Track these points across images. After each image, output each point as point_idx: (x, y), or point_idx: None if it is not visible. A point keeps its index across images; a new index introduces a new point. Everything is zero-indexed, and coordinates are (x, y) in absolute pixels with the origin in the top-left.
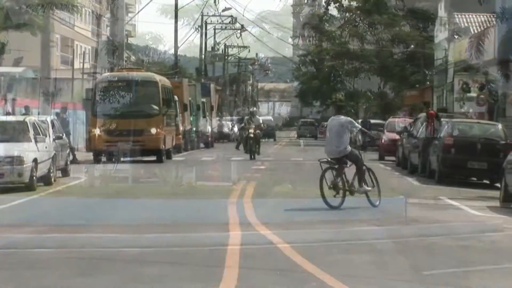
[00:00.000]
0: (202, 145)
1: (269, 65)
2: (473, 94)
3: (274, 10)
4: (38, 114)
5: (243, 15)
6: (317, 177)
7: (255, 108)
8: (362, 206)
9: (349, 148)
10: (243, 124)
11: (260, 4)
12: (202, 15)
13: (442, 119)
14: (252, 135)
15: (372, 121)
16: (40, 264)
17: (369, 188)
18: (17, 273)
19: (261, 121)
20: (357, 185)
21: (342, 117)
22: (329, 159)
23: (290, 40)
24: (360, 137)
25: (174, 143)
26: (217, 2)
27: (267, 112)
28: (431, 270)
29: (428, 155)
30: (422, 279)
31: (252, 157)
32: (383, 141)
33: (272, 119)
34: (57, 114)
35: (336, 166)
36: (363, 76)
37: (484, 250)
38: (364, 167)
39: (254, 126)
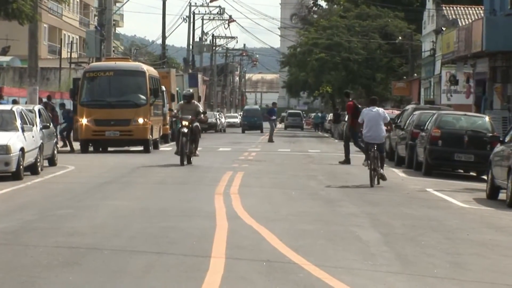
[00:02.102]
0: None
1: (257, 56)
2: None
3: (263, 1)
4: (26, 103)
5: (231, 6)
6: (304, 168)
7: (190, 90)
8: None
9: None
10: (174, 112)
11: None
12: (190, 5)
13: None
14: (185, 130)
15: None
16: (27, 254)
17: (383, 173)
18: (2, 264)
19: (201, 108)
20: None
21: (378, 108)
22: (375, 144)
23: (278, 31)
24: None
25: (161, 133)
26: None
27: (254, 102)
28: (417, 262)
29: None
30: (408, 271)
31: (184, 162)
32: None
33: (259, 109)
34: (44, 104)
35: (378, 148)
36: (351, 68)
37: (470, 242)
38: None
39: (190, 117)
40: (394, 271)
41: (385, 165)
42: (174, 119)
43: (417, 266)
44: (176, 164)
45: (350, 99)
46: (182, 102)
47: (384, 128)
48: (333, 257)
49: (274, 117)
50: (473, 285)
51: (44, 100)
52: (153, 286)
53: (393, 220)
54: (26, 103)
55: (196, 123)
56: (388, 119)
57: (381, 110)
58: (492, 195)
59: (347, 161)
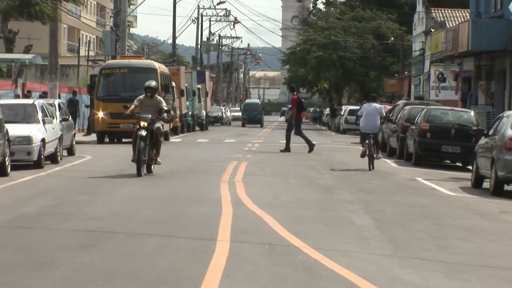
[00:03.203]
0: (197, 128)
1: (260, 54)
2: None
3: (265, 4)
4: (41, 95)
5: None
6: (305, 157)
7: (153, 82)
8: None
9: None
10: (130, 109)
11: None
12: (199, 8)
13: (411, 106)
14: (143, 133)
15: (354, 107)
16: (48, 236)
17: (380, 156)
18: (25, 245)
19: (164, 105)
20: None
21: (375, 104)
22: (368, 134)
23: (279, 31)
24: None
25: (171, 126)
26: None
27: (257, 97)
28: (407, 245)
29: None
30: (399, 253)
31: (142, 172)
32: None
33: (259, 103)
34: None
35: (372, 136)
36: (347, 66)
37: (457, 227)
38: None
39: (149, 116)
40: (386, 253)
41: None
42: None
43: (407, 249)
44: (134, 174)
45: (295, 93)
46: (142, 96)
47: (379, 121)
48: (330, 241)
49: (290, 111)
50: (459, 267)
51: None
52: (163, 267)
53: (385, 207)
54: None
55: (158, 124)
56: (384, 114)
57: (378, 106)
58: (477, 184)
59: (287, 149)
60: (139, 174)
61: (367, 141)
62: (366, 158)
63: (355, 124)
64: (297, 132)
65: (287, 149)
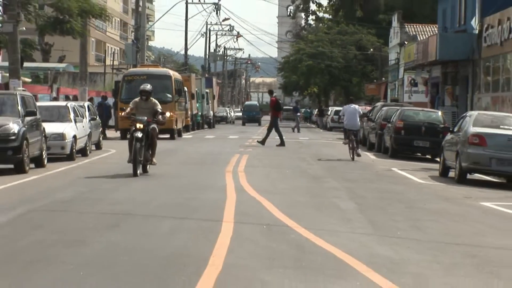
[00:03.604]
0: (206, 126)
1: (259, 63)
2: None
3: (264, 21)
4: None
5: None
6: (297, 150)
7: (149, 86)
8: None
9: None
10: (126, 111)
11: (252, 15)
12: (207, 24)
13: (388, 107)
14: (139, 134)
15: (339, 108)
16: (79, 218)
17: (360, 154)
18: (60, 226)
19: (159, 107)
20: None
21: (354, 105)
22: (353, 130)
23: (276, 44)
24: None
25: (184, 124)
26: (218, 14)
27: (256, 100)
28: (385, 226)
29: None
30: (378, 233)
31: (138, 172)
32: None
33: (258, 104)
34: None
35: (354, 133)
36: (333, 73)
37: (427, 210)
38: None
39: (145, 118)
40: (367, 233)
41: (359, 150)
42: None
43: (384, 229)
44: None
45: (273, 96)
46: (137, 99)
47: (358, 119)
48: (319, 222)
49: (298, 114)
50: (429, 244)
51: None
52: (177, 245)
53: (365, 193)
54: (77, 99)
55: (153, 125)
56: (361, 113)
57: (356, 106)
58: (444, 173)
59: (263, 142)
60: (135, 174)
61: (350, 136)
62: (348, 152)
63: (338, 122)
64: (275, 128)
65: (263, 142)
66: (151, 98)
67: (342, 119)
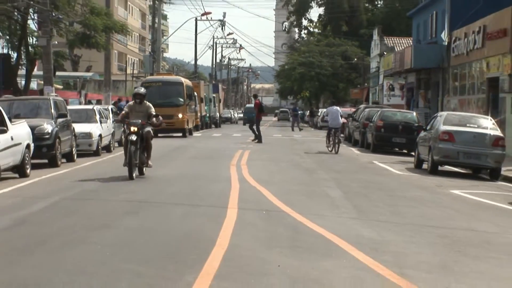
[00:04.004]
0: (213, 126)
1: (259, 71)
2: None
3: (262, 34)
4: (98, 103)
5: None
6: (291, 147)
7: (142, 89)
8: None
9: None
10: (121, 115)
11: (252, 30)
12: (214, 38)
13: (370, 109)
14: (134, 137)
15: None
16: (104, 206)
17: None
18: (88, 212)
19: (152, 110)
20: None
21: (336, 107)
22: (334, 128)
23: (273, 55)
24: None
25: (194, 124)
26: (223, 29)
27: None
28: (367, 211)
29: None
30: (361, 217)
31: (134, 175)
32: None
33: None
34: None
35: (333, 131)
36: (322, 80)
37: (404, 197)
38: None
39: (139, 121)
40: (352, 217)
41: (345, 145)
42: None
43: (367, 214)
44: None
45: (257, 99)
46: (131, 102)
47: (340, 118)
48: (310, 208)
49: (297, 113)
50: (406, 227)
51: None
52: (189, 228)
53: (351, 183)
54: (101, 103)
55: (148, 128)
56: (341, 112)
57: (338, 108)
58: (418, 166)
59: (259, 139)
60: (130, 177)
61: (332, 133)
62: (342, 148)
63: (323, 121)
64: (257, 127)
65: (259, 139)
66: (145, 101)
67: (326, 119)
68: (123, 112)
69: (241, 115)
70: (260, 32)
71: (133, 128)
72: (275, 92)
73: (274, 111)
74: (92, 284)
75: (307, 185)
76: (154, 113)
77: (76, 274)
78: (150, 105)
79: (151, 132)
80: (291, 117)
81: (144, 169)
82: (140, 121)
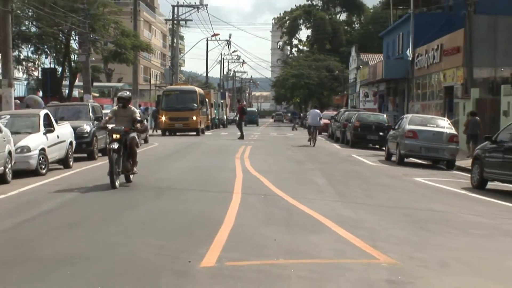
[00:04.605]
0: (221, 126)
1: (258, 82)
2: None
3: (261, 52)
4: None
5: (244, 54)
6: (286, 141)
7: (127, 92)
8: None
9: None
10: (103, 121)
11: (253, 48)
12: (221, 54)
13: (349, 112)
14: (115, 145)
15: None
16: (135, 190)
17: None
18: (121, 196)
19: (137, 115)
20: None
21: (317, 110)
22: (312, 126)
23: (269, 68)
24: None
25: (205, 125)
26: (229, 47)
27: (256, 108)
28: (347, 195)
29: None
30: (342, 200)
31: (116, 183)
32: (321, 123)
33: (256, 110)
34: (146, 109)
35: (312, 128)
36: (310, 88)
37: (377, 184)
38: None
39: (122, 128)
40: (334, 200)
41: (328, 141)
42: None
43: (347, 197)
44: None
45: (241, 103)
46: (115, 107)
47: (319, 119)
48: (300, 193)
49: (296, 116)
50: (378, 208)
51: (145, 108)
52: (201, 208)
53: (334, 172)
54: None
55: (133, 134)
56: (321, 115)
57: (318, 111)
58: (388, 158)
59: (241, 137)
60: (113, 186)
61: (311, 130)
62: (327, 144)
63: (305, 120)
64: (239, 126)
65: (241, 136)
66: (129, 106)
67: (307, 119)
68: (106, 117)
69: None
70: (259, 50)
71: (115, 135)
72: (271, 98)
73: (271, 114)
74: (125, 254)
75: (298, 174)
76: (138, 118)
77: (111, 245)
78: (135, 109)
79: (136, 138)
80: (291, 120)
81: (131, 177)
82: (122, 127)
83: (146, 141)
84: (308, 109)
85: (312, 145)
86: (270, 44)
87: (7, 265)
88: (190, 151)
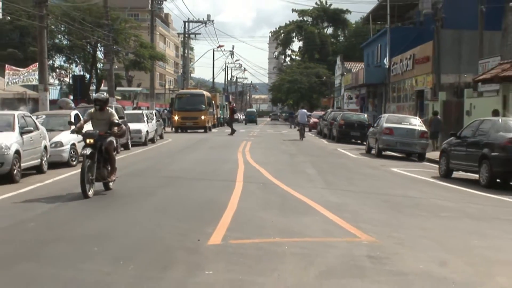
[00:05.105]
0: (225, 124)
1: (257, 86)
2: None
3: (260, 60)
4: (146, 108)
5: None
6: (281, 137)
7: (105, 94)
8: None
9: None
10: (78, 125)
11: (253, 57)
12: (226, 63)
13: (335, 112)
14: (88, 151)
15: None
16: (149, 180)
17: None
18: (138, 185)
19: (115, 118)
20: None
21: (304, 110)
22: (301, 123)
23: (267, 74)
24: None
25: (212, 123)
26: (232, 57)
27: (255, 109)
28: (333, 183)
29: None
30: (329, 187)
31: (89, 193)
32: (311, 122)
33: (255, 111)
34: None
35: (301, 125)
36: (302, 92)
37: (359, 173)
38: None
39: (96, 133)
40: (322, 187)
41: (317, 137)
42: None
43: (333, 185)
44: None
45: (232, 104)
46: (92, 110)
47: (306, 118)
48: (294, 181)
49: (293, 116)
50: (360, 194)
51: (162, 109)
52: (208, 195)
53: (322, 164)
54: (147, 109)
55: (110, 138)
56: (308, 114)
57: (306, 111)
58: (368, 151)
59: (232, 132)
60: (85, 196)
61: (300, 126)
62: (316, 139)
63: (293, 117)
64: (230, 123)
65: (232, 132)
66: (108, 108)
67: (297, 117)
68: (82, 121)
69: (244, 116)
70: (258, 59)
71: (88, 140)
72: (269, 100)
73: (268, 114)
74: (144, 233)
75: (291, 165)
76: (116, 121)
77: (132, 226)
78: (113, 112)
79: (114, 143)
80: (287, 119)
81: (111, 184)
82: (97, 131)
83: (161, 137)
84: (234, 108)
85: (300, 139)
86: (267, 54)
87: (44, 243)
88: (199, 146)
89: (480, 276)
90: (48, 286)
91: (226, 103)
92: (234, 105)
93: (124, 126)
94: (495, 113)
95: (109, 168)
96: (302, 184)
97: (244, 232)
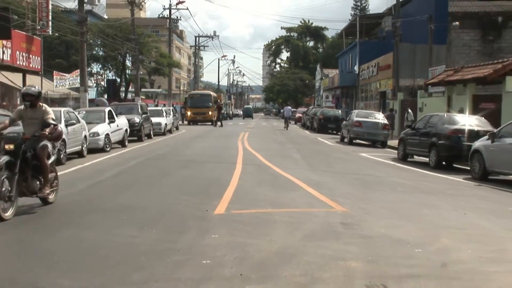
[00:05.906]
0: (228, 118)
1: (253, 88)
2: (330, 100)
3: (255, 69)
4: (164, 106)
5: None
6: (273, 129)
7: (36, 87)
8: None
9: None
10: (3, 125)
11: (250, 65)
12: (228, 70)
13: (315, 109)
14: (6, 158)
15: (293, 109)
16: (168, 163)
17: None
18: (158, 167)
19: (49, 117)
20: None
21: (288, 107)
22: (286, 117)
23: (261, 78)
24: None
25: (217, 118)
26: (234, 64)
27: (251, 106)
28: (315, 165)
29: (306, 121)
30: (311, 169)
31: (6, 214)
32: (296, 116)
33: (251, 107)
34: (175, 108)
35: (285, 119)
36: (289, 92)
37: (335, 158)
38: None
39: (19, 135)
40: (306, 169)
41: (301, 129)
42: None
43: (314, 167)
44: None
45: (218, 103)
46: (21, 107)
47: (290, 112)
48: (283, 164)
49: (280, 111)
50: (336, 174)
51: (175, 106)
52: (215, 175)
53: (305, 150)
54: (164, 105)
55: (44, 142)
56: (292, 110)
57: (290, 107)
58: (342, 140)
59: (221, 125)
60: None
61: (286, 119)
62: (299, 131)
63: (280, 112)
64: (219, 118)
65: (220, 124)
66: (40, 104)
67: (282, 112)
68: (7, 121)
69: (242, 112)
70: (254, 66)
71: (8, 146)
72: (262, 99)
73: (262, 110)
74: (164, 205)
75: (281, 151)
76: (51, 121)
77: (154, 200)
78: (48, 109)
79: (48, 147)
80: (277, 113)
81: (50, 197)
82: (20, 134)
83: (177, 128)
84: (221, 106)
85: (285, 129)
86: (261, 62)
87: (82, 214)
88: (207, 135)
89: (429, 238)
90: (90, 247)
91: (229, 101)
92: (222, 103)
93: (59, 127)
94: (461, 110)
95: (42, 179)
96: (290, 166)
97: (243, 204)
